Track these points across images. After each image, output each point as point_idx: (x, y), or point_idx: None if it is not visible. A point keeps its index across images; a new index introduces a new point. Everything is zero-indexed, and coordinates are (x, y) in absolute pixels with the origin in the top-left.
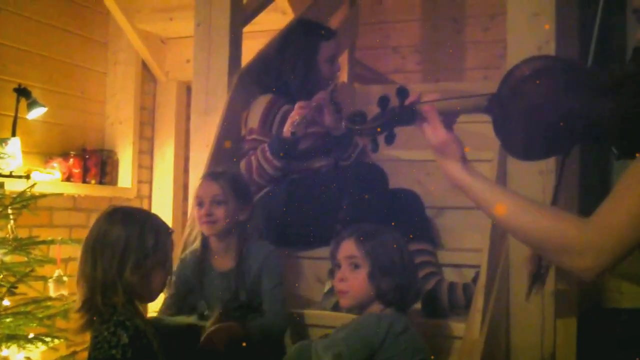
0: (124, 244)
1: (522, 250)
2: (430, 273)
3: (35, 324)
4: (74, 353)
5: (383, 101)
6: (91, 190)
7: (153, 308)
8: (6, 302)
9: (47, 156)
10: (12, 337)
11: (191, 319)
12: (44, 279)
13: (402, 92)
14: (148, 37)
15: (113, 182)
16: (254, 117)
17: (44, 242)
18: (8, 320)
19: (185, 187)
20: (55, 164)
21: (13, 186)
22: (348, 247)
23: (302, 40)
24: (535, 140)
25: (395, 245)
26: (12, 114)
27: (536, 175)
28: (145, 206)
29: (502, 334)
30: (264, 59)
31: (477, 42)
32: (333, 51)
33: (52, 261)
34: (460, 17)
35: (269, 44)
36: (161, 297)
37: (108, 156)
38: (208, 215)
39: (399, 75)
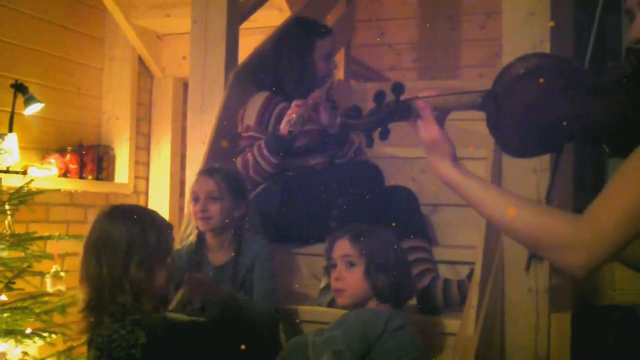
0: (127, 242)
1: (517, 247)
2: (425, 270)
3: (32, 319)
4: (71, 348)
5: (379, 96)
6: (88, 186)
7: None
8: (3, 297)
9: (44, 152)
10: (10, 332)
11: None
12: (42, 274)
13: (398, 88)
14: (144, 33)
15: (110, 177)
16: (251, 114)
17: (41, 237)
18: (5, 315)
19: (182, 183)
20: (52, 160)
21: (10, 182)
22: (343, 246)
23: (298, 38)
24: (528, 138)
25: (388, 243)
26: (9, 109)
27: (530, 173)
28: (142, 202)
29: (497, 330)
30: (260, 56)
31: (473, 40)
32: (329, 49)
33: (49, 257)
34: (456, 14)
35: (265, 42)
36: None
37: (105, 152)
38: (203, 211)
39: (395, 72)
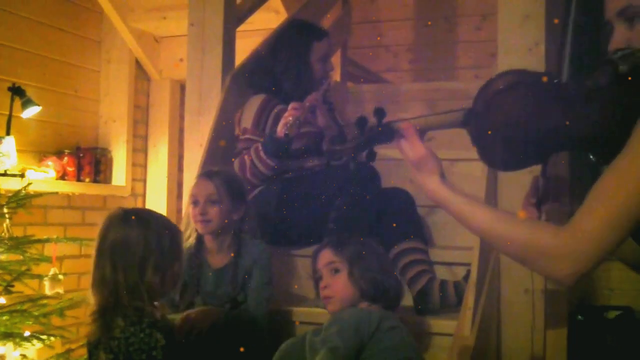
0: (143, 247)
1: None
2: (422, 271)
3: (31, 322)
4: (69, 350)
5: (361, 122)
6: (85, 188)
7: None
8: (2, 300)
9: (41, 155)
10: (9, 335)
11: None
12: (40, 277)
13: (380, 112)
14: (142, 35)
15: (107, 180)
16: (248, 116)
17: (39, 240)
18: (4, 318)
19: (179, 185)
20: (49, 163)
21: (8, 185)
22: (326, 256)
23: (295, 40)
24: (511, 152)
25: (369, 247)
26: (7, 112)
27: (526, 174)
28: (139, 204)
29: (493, 331)
30: (257, 59)
31: (469, 42)
32: (325, 51)
33: (47, 259)
34: (452, 16)
35: (262, 44)
36: None
37: (102, 154)
38: (202, 215)
39: (391, 74)
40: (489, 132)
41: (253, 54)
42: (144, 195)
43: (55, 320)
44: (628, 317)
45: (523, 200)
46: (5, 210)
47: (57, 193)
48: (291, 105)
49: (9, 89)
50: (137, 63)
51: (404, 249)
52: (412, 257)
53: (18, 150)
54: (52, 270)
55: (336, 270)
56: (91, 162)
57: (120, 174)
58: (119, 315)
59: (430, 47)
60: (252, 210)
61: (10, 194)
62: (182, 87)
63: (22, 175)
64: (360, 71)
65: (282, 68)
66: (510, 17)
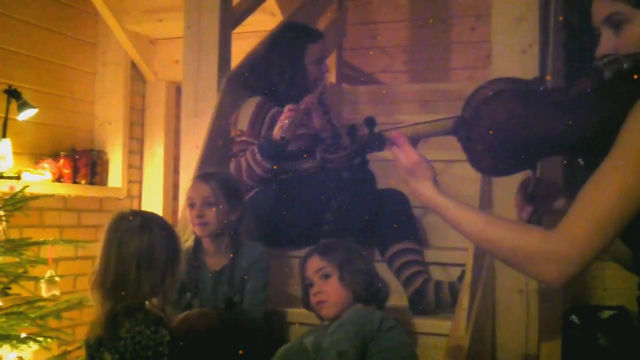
0: (165, 255)
1: None
2: (417, 272)
3: (27, 324)
4: (66, 352)
5: (352, 130)
6: (81, 190)
7: None
8: None
9: (37, 157)
10: (5, 337)
11: None
12: (36, 279)
13: (370, 121)
14: (137, 37)
15: (103, 182)
16: (243, 119)
17: (36, 242)
18: (1, 320)
19: (175, 187)
20: (45, 165)
21: (3, 187)
22: (315, 262)
23: (290, 42)
24: (501, 158)
25: (355, 251)
26: (3, 115)
27: (520, 176)
28: (135, 206)
29: (488, 331)
30: (252, 61)
31: (464, 43)
32: (320, 53)
33: (44, 262)
34: (447, 17)
35: (257, 47)
36: None
37: (98, 156)
38: (200, 217)
39: (386, 75)
40: (478, 140)
41: (249, 56)
42: (139, 197)
43: (52, 322)
44: (622, 317)
45: (515, 196)
46: (1, 212)
47: (53, 195)
48: (287, 108)
49: (5, 91)
50: (133, 65)
51: (400, 249)
52: (408, 258)
53: (14, 153)
54: (49, 273)
55: (327, 276)
56: (87, 164)
57: (116, 176)
58: (131, 317)
59: (425, 48)
60: (249, 211)
61: (6, 197)
62: (178, 89)
63: (18, 178)
64: (355, 72)
65: (278, 70)
66: (503, 20)
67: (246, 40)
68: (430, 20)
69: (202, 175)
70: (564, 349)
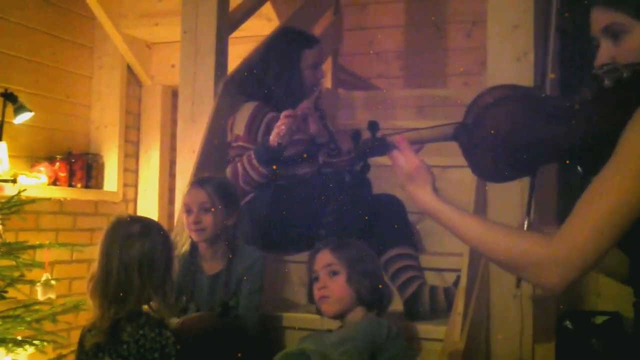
0: (165, 260)
1: None
2: (412, 277)
3: (23, 327)
4: (61, 356)
5: (355, 135)
6: (77, 194)
7: None
8: None
9: (33, 160)
10: (1, 341)
11: None
12: (32, 282)
13: (373, 125)
14: (133, 41)
15: (99, 185)
16: (240, 124)
17: (32, 246)
18: None
19: (171, 191)
20: (41, 168)
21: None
22: (325, 257)
23: (286, 48)
24: (501, 165)
25: (366, 252)
26: None
27: (515, 183)
28: (130, 210)
29: (482, 336)
30: (248, 66)
31: (460, 49)
32: (316, 58)
33: (40, 265)
34: (442, 23)
35: (253, 52)
36: None
37: (94, 160)
38: (196, 223)
39: (382, 80)
40: (479, 146)
41: (245, 61)
42: (135, 201)
43: (47, 326)
44: (616, 323)
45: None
46: None
47: (49, 199)
48: (283, 114)
49: (1, 94)
50: (129, 69)
51: (395, 255)
52: (403, 263)
53: (10, 156)
54: (45, 276)
55: (334, 273)
56: (83, 167)
57: (111, 180)
58: (133, 322)
59: (421, 53)
60: (245, 216)
61: (2, 200)
62: (174, 93)
63: (14, 181)
64: (351, 78)
65: (274, 75)
66: (499, 27)
67: (243, 45)
68: (435, 25)
69: (199, 181)
70: (557, 354)
